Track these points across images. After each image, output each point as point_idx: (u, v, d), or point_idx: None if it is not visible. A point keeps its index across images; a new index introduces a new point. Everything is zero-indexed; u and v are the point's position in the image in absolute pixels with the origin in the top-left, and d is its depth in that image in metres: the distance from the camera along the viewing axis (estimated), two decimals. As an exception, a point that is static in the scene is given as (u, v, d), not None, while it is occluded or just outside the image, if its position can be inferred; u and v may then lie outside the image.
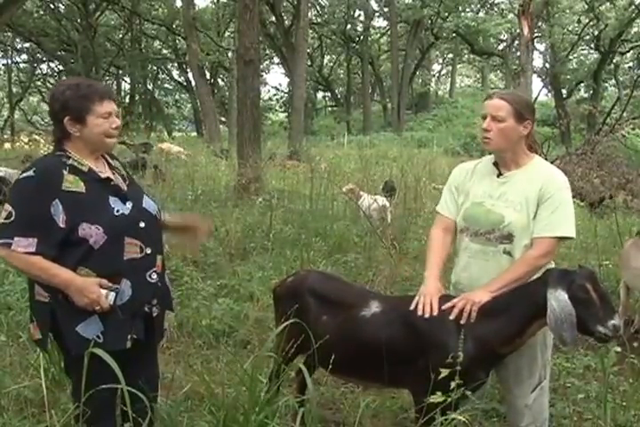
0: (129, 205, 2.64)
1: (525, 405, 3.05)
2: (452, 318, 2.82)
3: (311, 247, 7.12)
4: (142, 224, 2.64)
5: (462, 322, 2.80)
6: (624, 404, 3.61)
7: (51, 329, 2.59)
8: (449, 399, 2.57)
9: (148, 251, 2.64)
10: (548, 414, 3.21)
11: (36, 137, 18.43)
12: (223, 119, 36.75)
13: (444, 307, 2.87)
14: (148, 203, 2.74)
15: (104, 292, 2.50)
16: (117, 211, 2.59)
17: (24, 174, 2.51)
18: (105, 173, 2.67)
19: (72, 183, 2.52)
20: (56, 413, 3.40)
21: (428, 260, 3.13)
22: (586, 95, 38.92)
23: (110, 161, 2.76)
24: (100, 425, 2.57)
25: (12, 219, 2.44)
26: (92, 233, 2.49)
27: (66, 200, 2.48)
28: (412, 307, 2.92)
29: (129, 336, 2.60)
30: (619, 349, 3.46)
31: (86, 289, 2.47)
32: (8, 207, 2.47)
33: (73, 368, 2.65)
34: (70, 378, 2.81)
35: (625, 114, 25.79)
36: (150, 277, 2.67)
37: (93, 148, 2.64)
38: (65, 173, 2.53)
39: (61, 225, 2.47)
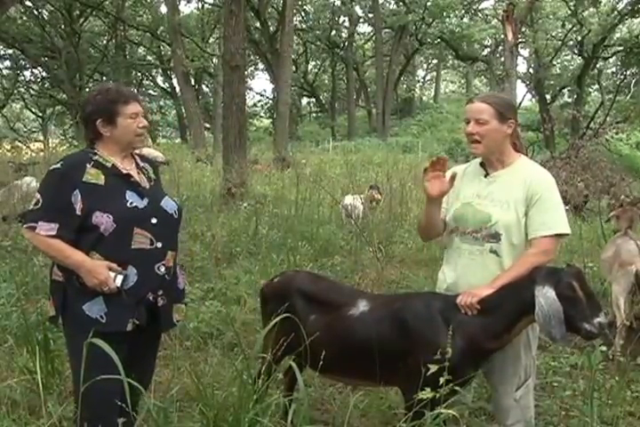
0: (145, 201, 2.85)
1: (515, 400, 3.07)
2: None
3: (297, 251, 7.15)
4: (154, 220, 2.83)
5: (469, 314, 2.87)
6: (610, 401, 3.66)
7: (62, 306, 2.78)
8: (438, 395, 2.59)
9: (159, 245, 2.84)
10: (533, 412, 3.24)
11: (19, 144, 18.25)
12: (207, 125, 36.66)
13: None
14: (167, 203, 2.95)
15: (112, 274, 2.70)
16: (131, 203, 2.81)
17: (53, 166, 2.80)
18: (129, 169, 2.90)
19: (93, 176, 2.79)
20: (43, 416, 3.41)
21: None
22: (569, 100, 39.12)
23: (140, 162, 3.00)
24: (101, 417, 2.67)
25: (39, 206, 2.74)
26: (103, 221, 2.72)
27: (84, 190, 2.74)
28: None
29: (131, 320, 2.76)
30: (604, 348, 3.50)
31: (95, 271, 2.69)
32: (37, 195, 2.77)
33: (75, 352, 2.74)
34: (72, 368, 2.89)
35: (608, 118, 26.06)
36: (158, 269, 2.85)
37: (123, 146, 2.90)
38: (88, 166, 2.79)
39: (78, 213, 2.72)
